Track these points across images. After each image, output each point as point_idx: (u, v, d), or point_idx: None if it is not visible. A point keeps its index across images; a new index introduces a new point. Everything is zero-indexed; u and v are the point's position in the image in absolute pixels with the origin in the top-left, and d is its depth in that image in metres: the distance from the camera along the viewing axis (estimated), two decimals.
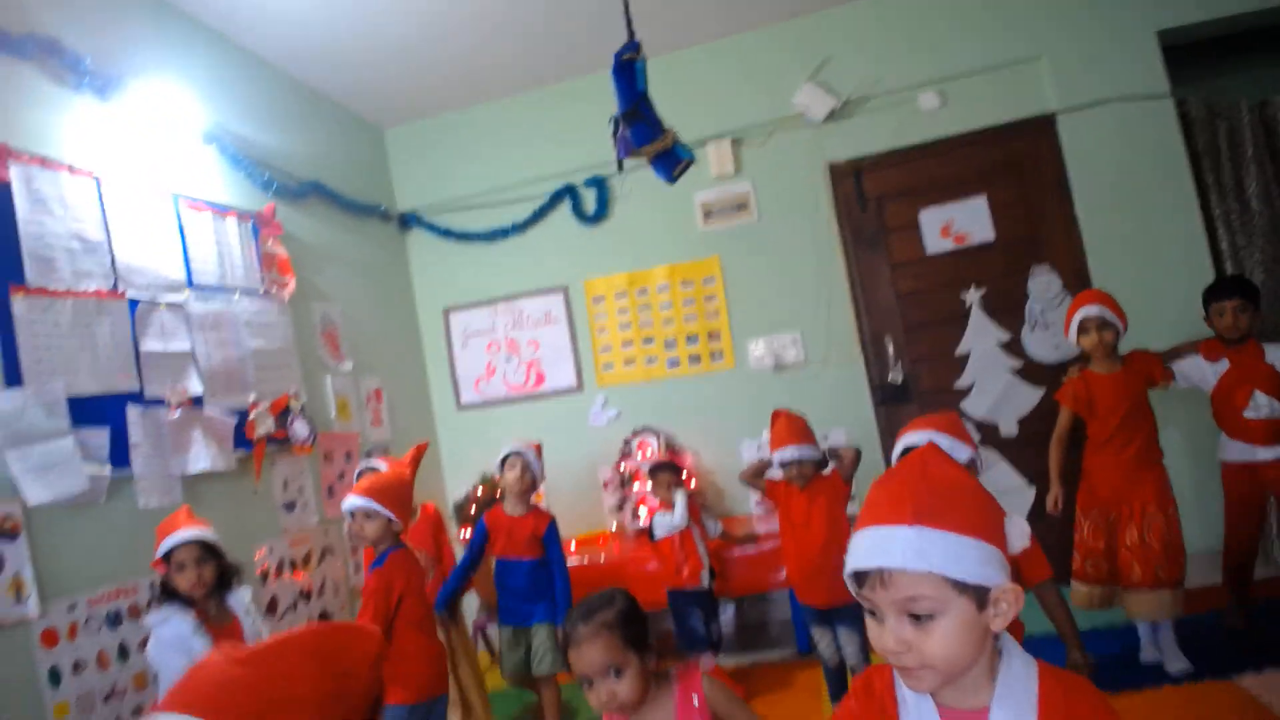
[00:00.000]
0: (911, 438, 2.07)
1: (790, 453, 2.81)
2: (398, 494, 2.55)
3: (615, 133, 2.48)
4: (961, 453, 2.01)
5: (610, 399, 4.48)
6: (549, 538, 3.15)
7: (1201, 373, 3.09)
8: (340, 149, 4.34)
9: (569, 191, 4.53)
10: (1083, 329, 2.94)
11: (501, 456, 3.19)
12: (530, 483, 3.19)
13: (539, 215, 4.58)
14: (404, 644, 2.45)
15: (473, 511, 4.04)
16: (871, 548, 0.96)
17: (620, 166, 2.71)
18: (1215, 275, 3.80)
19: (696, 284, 4.39)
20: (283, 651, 0.96)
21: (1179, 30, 3.95)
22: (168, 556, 2.22)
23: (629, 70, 2.41)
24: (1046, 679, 1.00)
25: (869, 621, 1.00)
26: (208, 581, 2.23)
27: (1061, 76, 3.97)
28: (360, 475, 3.28)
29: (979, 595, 0.94)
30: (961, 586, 0.93)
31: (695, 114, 4.32)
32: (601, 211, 4.50)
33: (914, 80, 4.10)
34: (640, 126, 2.43)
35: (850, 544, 1.00)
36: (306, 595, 3.38)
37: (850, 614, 2.69)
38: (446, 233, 4.69)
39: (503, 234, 4.61)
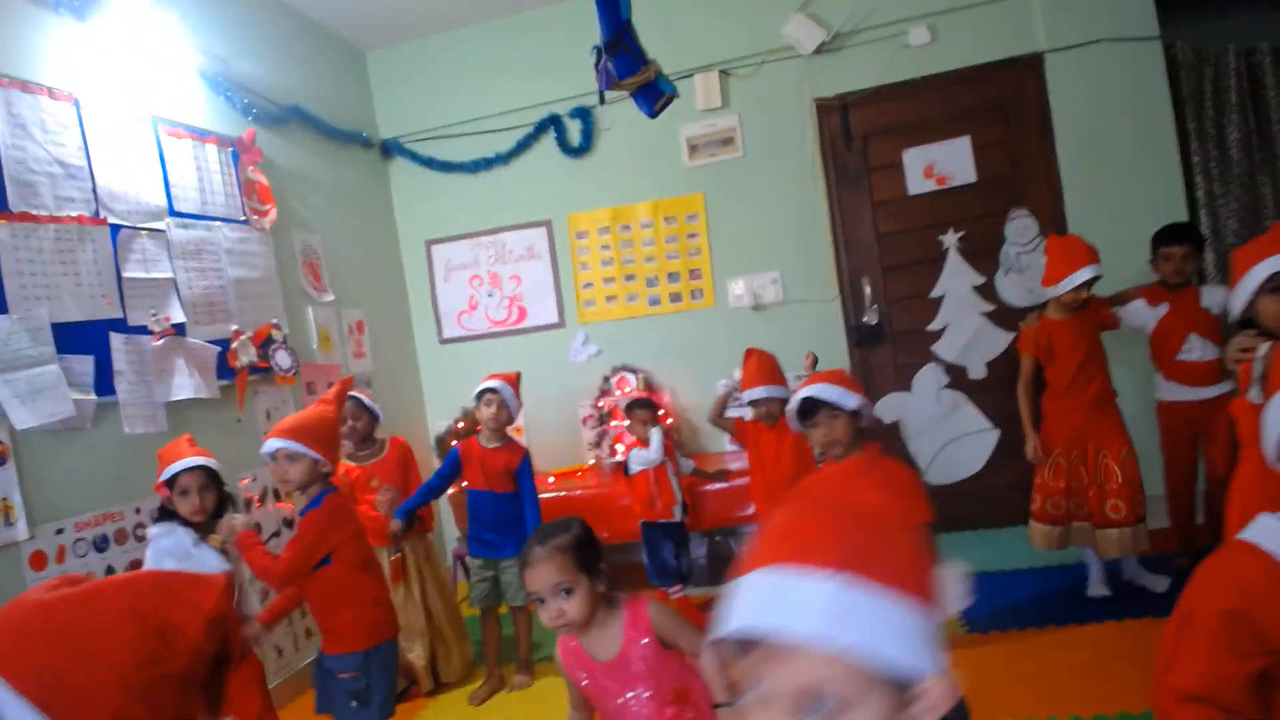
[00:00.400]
0: (803, 391, 2.12)
1: (759, 392, 2.89)
2: (322, 432, 2.36)
3: (597, 63, 2.46)
4: (850, 400, 2.06)
5: (591, 336, 4.52)
6: (522, 471, 3.24)
7: (1142, 317, 3.20)
8: (321, 73, 4.25)
9: (554, 122, 4.48)
10: (1079, 287, 2.96)
11: (478, 391, 3.24)
12: (506, 418, 3.24)
13: (523, 146, 4.53)
14: (346, 589, 2.32)
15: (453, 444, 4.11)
16: (768, 600, 0.66)
17: (602, 99, 2.69)
18: (1189, 222, 3.86)
19: (680, 221, 4.40)
20: (98, 603, 0.87)
21: None
22: (171, 482, 2.26)
23: None
24: None
25: (748, 704, 0.69)
26: (208, 508, 2.28)
27: (1052, 14, 3.93)
28: None
29: (904, 687, 0.67)
30: (883, 674, 0.65)
31: (683, 44, 4.26)
32: (586, 144, 4.46)
33: (905, 13, 4.04)
34: (623, 58, 2.41)
35: (734, 593, 0.69)
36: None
37: None
38: (429, 162, 4.64)
39: (486, 165, 4.57)
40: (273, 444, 2.32)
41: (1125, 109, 3.88)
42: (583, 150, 4.46)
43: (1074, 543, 3.13)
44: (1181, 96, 4.01)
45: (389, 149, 4.68)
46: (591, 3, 4.14)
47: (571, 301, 4.55)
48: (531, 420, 4.52)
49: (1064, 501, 3.08)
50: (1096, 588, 3.12)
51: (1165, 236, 3.19)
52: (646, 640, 1.62)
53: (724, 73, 4.27)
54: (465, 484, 3.33)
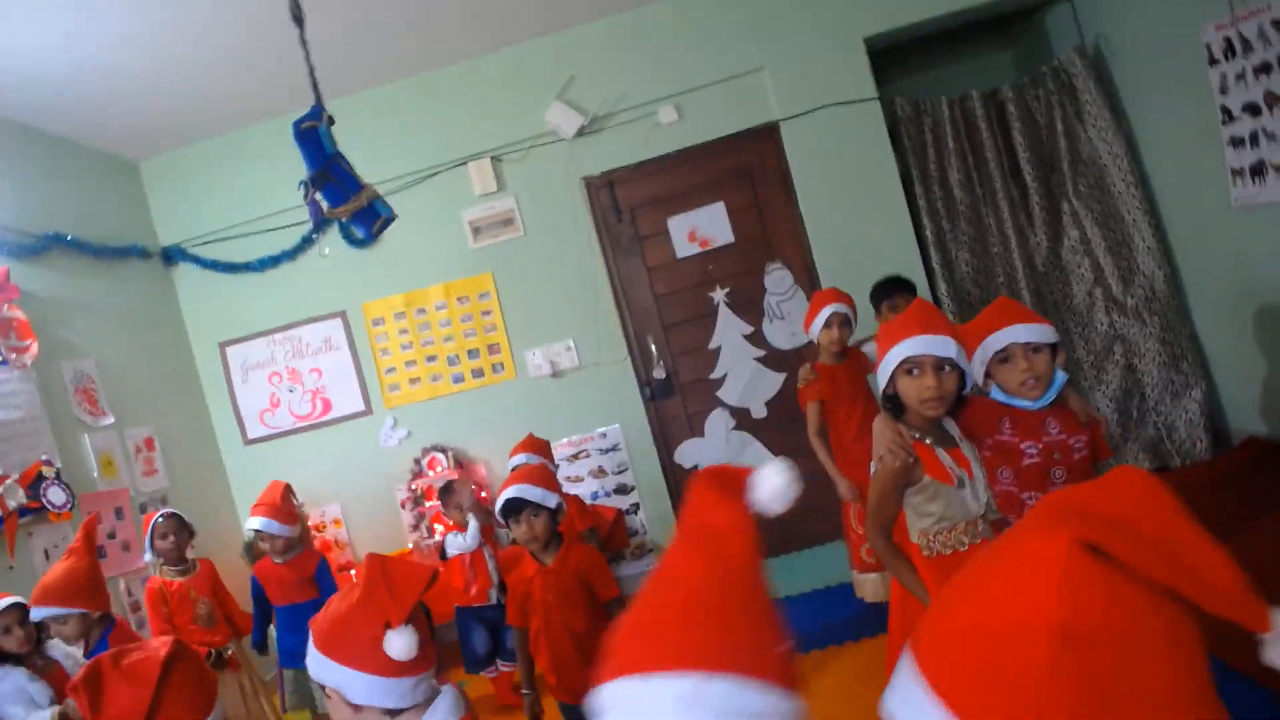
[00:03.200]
0: (508, 491, 2.25)
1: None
2: (77, 586, 2.47)
3: (305, 196, 2.55)
4: (551, 500, 2.25)
5: (400, 419, 4.60)
6: (321, 575, 3.34)
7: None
8: (86, 191, 4.18)
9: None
10: (828, 324, 3.16)
11: (253, 530, 3.32)
12: (284, 544, 3.27)
13: (308, 241, 4.58)
14: None
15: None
16: (634, 702, 0.72)
17: (315, 227, 2.80)
18: (921, 259, 4.32)
19: (472, 300, 4.56)
20: None
21: (884, 35, 4.40)
22: None
23: (313, 136, 2.50)
24: None
25: None
26: (33, 637, 2.42)
27: (781, 86, 4.35)
28: None
29: None
30: None
31: (456, 132, 4.46)
32: (371, 235, 4.56)
33: (653, 95, 4.38)
34: (332, 188, 2.53)
35: (602, 699, 0.75)
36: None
37: None
38: (214, 264, 4.62)
39: (273, 262, 4.58)
40: (37, 614, 2.44)
41: (855, 164, 4.33)
42: (368, 241, 4.56)
43: None
44: (904, 147, 4.49)
45: (171, 256, 4.63)
46: (356, 98, 4.28)
47: (376, 387, 4.62)
48: (350, 511, 4.56)
49: None
50: None
51: (885, 291, 3.39)
52: None
53: (495, 159, 4.48)
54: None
